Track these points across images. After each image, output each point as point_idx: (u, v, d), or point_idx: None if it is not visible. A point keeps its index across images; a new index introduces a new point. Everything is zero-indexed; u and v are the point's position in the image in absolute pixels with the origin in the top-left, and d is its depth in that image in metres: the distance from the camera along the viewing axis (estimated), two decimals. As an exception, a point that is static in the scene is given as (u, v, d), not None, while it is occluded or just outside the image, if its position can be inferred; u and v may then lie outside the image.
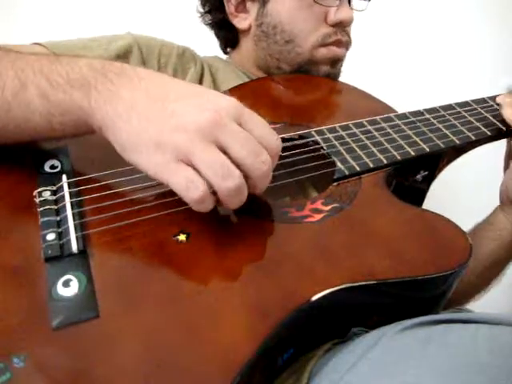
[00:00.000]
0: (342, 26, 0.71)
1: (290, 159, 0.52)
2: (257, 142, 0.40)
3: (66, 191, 0.44)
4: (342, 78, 0.76)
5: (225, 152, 0.39)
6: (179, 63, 0.71)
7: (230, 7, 0.75)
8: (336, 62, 0.73)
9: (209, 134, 0.38)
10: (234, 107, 0.40)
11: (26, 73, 0.43)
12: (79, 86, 0.41)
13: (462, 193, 1.02)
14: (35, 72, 0.43)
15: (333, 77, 0.74)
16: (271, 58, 0.74)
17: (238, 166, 0.39)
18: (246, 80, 0.73)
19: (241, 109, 0.41)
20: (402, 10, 1.09)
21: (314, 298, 0.38)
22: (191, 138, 0.38)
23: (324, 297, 0.38)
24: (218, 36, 0.82)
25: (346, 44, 0.73)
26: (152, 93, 0.41)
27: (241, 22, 0.75)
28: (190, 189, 0.38)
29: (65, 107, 0.42)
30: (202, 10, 0.81)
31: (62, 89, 0.42)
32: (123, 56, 0.65)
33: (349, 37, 0.73)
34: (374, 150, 0.53)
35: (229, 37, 0.80)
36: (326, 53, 0.71)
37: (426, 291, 0.44)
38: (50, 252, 0.39)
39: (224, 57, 0.84)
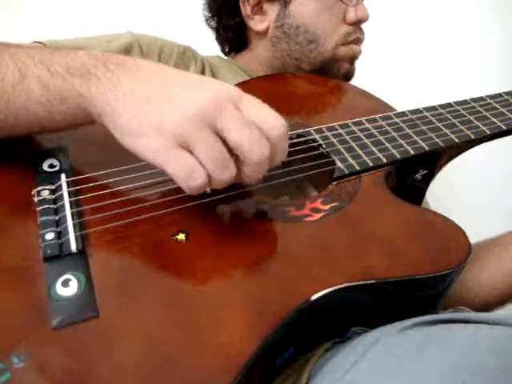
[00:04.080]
0: (359, 24, 0.74)
1: (290, 158, 0.52)
2: (255, 127, 0.39)
3: (65, 190, 0.44)
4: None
5: (222, 137, 0.39)
6: (180, 62, 0.71)
7: (246, 9, 0.75)
8: (354, 59, 0.76)
9: (208, 119, 0.38)
10: (232, 92, 0.40)
11: (27, 64, 0.43)
12: (79, 75, 0.41)
13: (461, 191, 1.02)
14: (35, 63, 0.43)
15: (351, 74, 0.77)
16: (290, 58, 0.74)
17: (234, 149, 0.39)
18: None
19: (240, 94, 0.41)
20: (402, 9, 1.08)
21: (314, 297, 0.38)
22: (190, 123, 0.38)
23: (324, 296, 0.38)
24: (222, 40, 0.82)
25: (362, 41, 0.76)
26: (152, 80, 0.41)
27: (257, 23, 0.75)
28: (191, 177, 0.38)
29: (64, 95, 0.42)
30: (208, 13, 0.80)
31: (62, 77, 0.42)
32: (123, 54, 0.65)
33: (363, 33, 0.76)
34: (373, 148, 0.53)
35: (238, 40, 0.79)
36: (347, 51, 0.74)
37: (425, 290, 0.44)
38: (48, 251, 0.39)
39: (225, 57, 0.84)
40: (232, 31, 0.79)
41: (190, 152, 0.38)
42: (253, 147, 0.39)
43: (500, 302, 0.66)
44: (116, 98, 0.40)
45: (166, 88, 0.40)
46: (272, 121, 0.40)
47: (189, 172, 0.38)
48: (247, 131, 0.39)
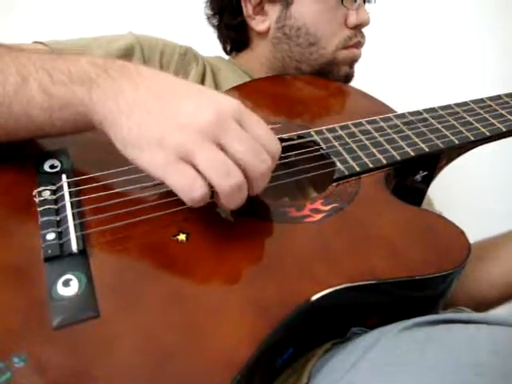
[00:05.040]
0: (360, 27, 0.74)
1: (290, 159, 0.52)
2: (256, 142, 0.40)
3: (66, 191, 0.44)
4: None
5: (224, 152, 0.39)
6: (181, 63, 0.71)
7: (248, 9, 0.74)
8: (354, 62, 0.76)
9: (210, 134, 0.38)
10: (235, 107, 0.40)
11: (28, 69, 0.43)
12: (81, 82, 0.41)
13: (461, 193, 1.02)
14: (37, 68, 0.43)
15: (350, 77, 0.77)
16: (290, 59, 0.74)
17: (236, 165, 0.39)
18: (248, 80, 0.73)
19: (242, 109, 0.41)
20: (402, 10, 1.09)
21: (314, 297, 0.38)
22: (193, 136, 0.38)
23: (324, 297, 0.39)
24: (224, 38, 0.82)
25: (362, 45, 0.76)
26: (154, 90, 0.41)
27: (258, 24, 0.75)
28: (193, 189, 0.38)
29: (66, 102, 0.42)
30: (209, 11, 0.80)
31: (64, 84, 0.42)
32: (125, 56, 0.65)
33: (364, 37, 0.76)
34: (373, 150, 0.54)
35: (239, 39, 0.79)
36: (347, 54, 0.74)
37: (425, 291, 0.44)
38: (49, 252, 0.39)
39: (226, 57, 0.84)
40: (233, 30, 0.79)
41: (192, 165, 0.38)
42: (256, 163, 0.39)
43: (498, 300, 0.66)
44: (118, 107, 0.40)
45: (168, 99, 0.40)
46: (269, 139, 0.41)
47: (190, 184, 0.38)
48: (250, 148, 0.39)
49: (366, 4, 0.76)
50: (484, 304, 0.66)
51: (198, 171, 0.38)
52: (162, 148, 0.38)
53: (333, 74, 0.75)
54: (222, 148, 0.39)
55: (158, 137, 0.38)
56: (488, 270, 0.65)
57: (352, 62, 0.76)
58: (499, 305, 0.67)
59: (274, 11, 0.73)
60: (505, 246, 0.66)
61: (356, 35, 0.74)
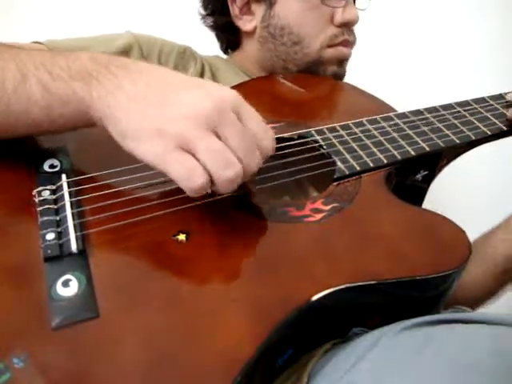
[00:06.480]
0: (349, 26, 0.72)
1: (290, 158, 0.52)
2: (251, 137, 0.40)
3: (66, 190, 0.44)
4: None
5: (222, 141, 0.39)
6: (179, 62, 0.71)
7: (234, 9, 0.75)
8: (343, 61, 0.74)
9: (209, 123, 0.38)
10: (233, 99, 0.40)
11: (28, 66, 0.43)
12: (80, 78, 0.41)
13: (462, 192, 1.02)
14: (36, 65, 0.43)
15: (339, 77, 0.75)
16: (277, 59, 0.74)
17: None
18: (247, 79, 0.73)
19: (240, 101, 0.41)
20: (402, 9, 1.09)
21: (314, 298, 0.38)
22: (192, 126, 0.38)
23: (324, 297, 0.38)
24: (219, 38, 0.83)
25: (352, 43, 0.74)
26: (154, 85, 0.41)
27: (245, 24, 0.75)
28: (192, 177, 0.38)
29: (65, 98, 0.42)
30: (203, 12, 0.81)
31: (64, 81, 0.42)
32: (123, 55, 0.65)
33: (354, 36, 0.74)
34: (374, 149, 0.53)
35: (231, 39, 0.80)
36: (333, 53, 0.72)
37: (425, 291, 0.44)
38: (49, 252, 0.39)
39: (224, 56, 0.84)
40: (225, 30, 0.79)
41: (191, 154, 0.38)
42: (249, 157, 0.40)
43: (483, 299, 0.66)
44: (117, 101, 0.40)
45: (167, 92, 0.40)
46: (265, 134, 0.41)
47: (189, 173, 0.38)
48: (245, 141, 0.39)
49: (365, 3, 0.75)
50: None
51: (198, 160, 0.38)
52: (161, 137, 0.38)
53: (319, 74, 0.73)
54: (220, 138, 0.39)
55: (157, 127, 0.38)
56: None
57: (340, 60, 0.74)
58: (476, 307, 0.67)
59: (259, 10, 0.73)
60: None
61: (343, 33, 0.72)
